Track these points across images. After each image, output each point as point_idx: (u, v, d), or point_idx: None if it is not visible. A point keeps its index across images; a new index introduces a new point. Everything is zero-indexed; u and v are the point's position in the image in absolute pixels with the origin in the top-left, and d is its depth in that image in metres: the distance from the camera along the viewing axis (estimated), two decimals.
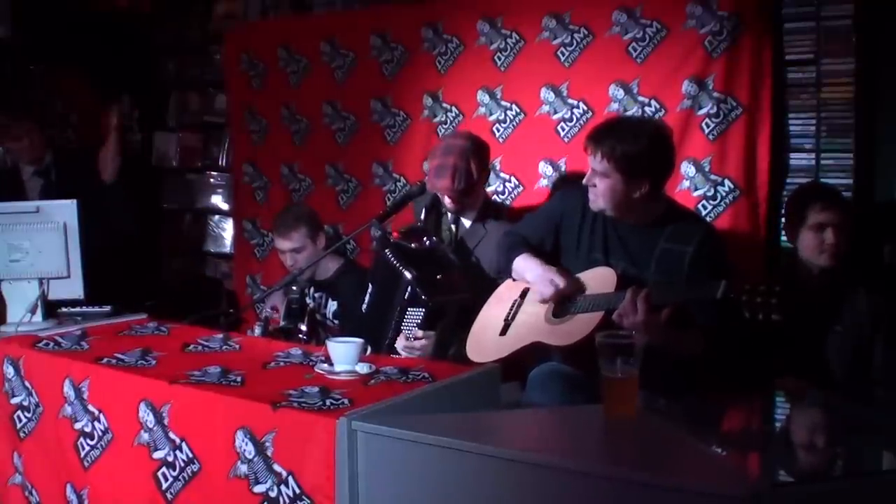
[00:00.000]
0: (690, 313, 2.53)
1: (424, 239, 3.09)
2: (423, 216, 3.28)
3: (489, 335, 2.85)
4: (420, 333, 2.90)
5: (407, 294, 2.90)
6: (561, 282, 2.68)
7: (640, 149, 2.58)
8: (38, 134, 4.15)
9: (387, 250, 3.01)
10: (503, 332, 2.82)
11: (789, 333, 2.67)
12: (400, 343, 2.94)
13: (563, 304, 2.72)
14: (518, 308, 2.84)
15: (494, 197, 3.65)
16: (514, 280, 2.90)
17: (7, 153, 4.29)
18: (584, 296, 2.65)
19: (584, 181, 2.67)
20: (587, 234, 2.76)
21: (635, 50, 3.35)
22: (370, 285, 3.13)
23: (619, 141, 2.57)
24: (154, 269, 5.07)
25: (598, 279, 2.66)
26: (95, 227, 3.27)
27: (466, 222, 3.24)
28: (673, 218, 2.68)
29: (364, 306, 3.15)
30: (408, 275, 2.90)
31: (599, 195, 2.63)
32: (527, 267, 2.81)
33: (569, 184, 3.44)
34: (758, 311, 2.22)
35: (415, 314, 2.92)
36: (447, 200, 3.19)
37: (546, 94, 3.56)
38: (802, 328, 2.68)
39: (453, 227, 3.24)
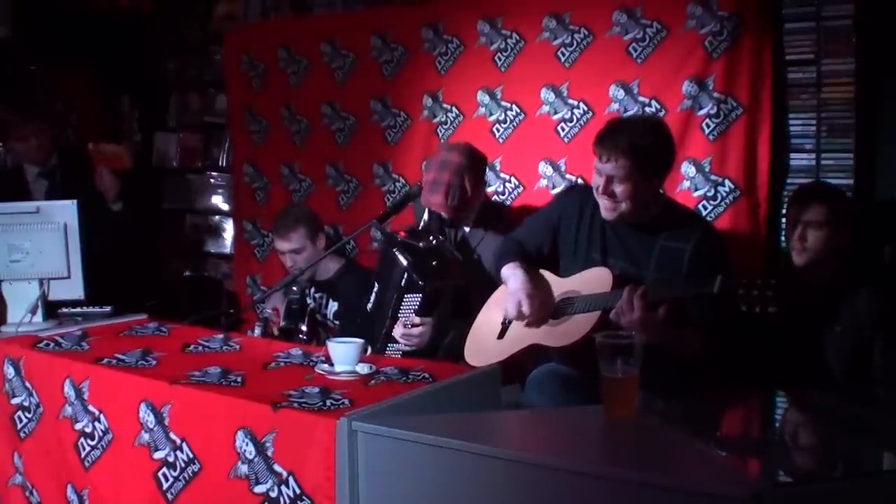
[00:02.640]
0: (688, 312, 2.54)
1: (431, 238, 3.11)
2: (426, 217, 3.28)
3: (487, 339, 2.85)
4: (417, 320, 2.91)
5: (403, 281, 2.92)
6: (527, 308, 2.69)
7: (654, 143, 2.59)
8: (46, 135, 4.11)
9: (395, 249, 3.02)
10: (501, 335, 2.82)
11: (788, 333, 2.67)
12: (398, 331, 2.95)
13: (559, 306, 2.72)
14: None
15: (494, 197, 3.66)
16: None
17: (9, 153, 4.25)
18: (581, 296, 2.65)
19: (598, 191, 2.62)
20: (585, 235, 2.76)
21: (635, 50, 3.35)
22: (375, 284, 3.14)
23: (635, 140, 2.55)
24: (154, 269, 5.07)
25: (595, 280, 2.66)
26: (99, 229, 3.27)
27: (465, 228, 3.26)
28: (671, 216, 2.68)
29: (369, 305, 3.16)
30: (403, 261, 2.92)
31: (622, 199, 2.58)
32: (509, 277, 2.81)
33: (568, 185, 3.46)
34: (755, 304, 2.22)
35: (412, 300, 2.93)
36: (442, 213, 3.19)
37: (546, 94, 3.56)
38: (801, 327, 2.68)
39: (454, 230, 3.25)
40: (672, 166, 2.72)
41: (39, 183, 4.12)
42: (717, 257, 2.58)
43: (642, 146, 2.55)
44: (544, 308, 2.73)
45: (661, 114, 3.28)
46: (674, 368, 2.49)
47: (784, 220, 2.97)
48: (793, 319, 2.64)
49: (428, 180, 3.17)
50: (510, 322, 2.81)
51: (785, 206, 3.10)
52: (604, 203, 2.63)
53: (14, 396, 2.55)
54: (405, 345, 2.98)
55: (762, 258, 3.16)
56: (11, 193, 3.68)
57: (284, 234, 3.58)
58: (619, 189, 2.57)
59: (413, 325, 2.94)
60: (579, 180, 3.45)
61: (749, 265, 3.08)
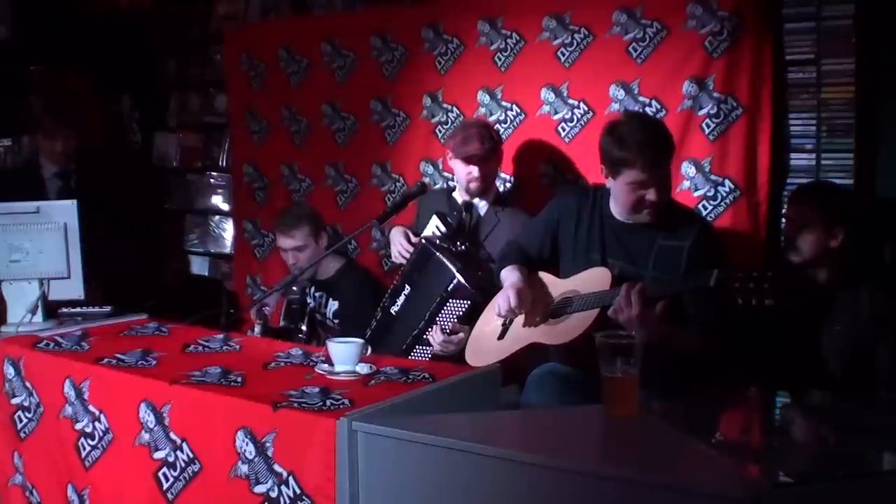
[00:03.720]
0: (686, 309, 2.54)
1: (458, 243, 3.15)
2: (436, 222, 3.29)
3: (488, 339, 2.87)
4: (457, 327, 2.92)
5: (451, 286, 2.95)
6: (514, 301, 2.70)
7: (668, 133, 2.67)
8: (73, 140, 4.12)
9: (437, 252, 3.07)
10: (501, 335, 2.82)
11: (788, 332, 2.67)
12: (437, 337, 2.96)
13: (558, 305, 2.72)
14: None
15: None
16: None
17: (30, 145, 4.24)
18: (580, 295, 2.66)
19: (635, 204, 2.62)
20: (584, 235, 2.77)
21: (636, 50, 3.35)
22: (406, 287, 3.16)
23: (663, 137, 2.60)
24: (154, 269, 5.07)
25: (594, 279, 2.66)
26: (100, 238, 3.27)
27: (482, 207, 3.29)
28: (670, 215, 2.69)
29: (396, 308, 3.17)
30: (453, 268, 2.97)
31: (659, 199, 2.60)
32: (506, 278, 2.84)
33: (567, 186, 3.46)
34: (750, 296, 2.23)
35: (455, 307, 2.97)
36: (471, 181, 3.25)
37: (546, 94, 3.56)
38: (800, 327, 2.68)
39: (465, 214, 3.29)
40: None
41: (53, 182, 4.12)
42: (715, 255, 2.59)
43: (669, 143, 2.63)
44: (539, 304, 2.75)
45: (662, 114, 3.28)
46: (674, 367, 2.49)
47: (784, 219, 2.97)
48: (793, 319, 2.64)
49: (457, 141, 3.27)
50: (510, 322, 2.82)
51: (785, 205, 3.10)
52: (649, 212, 2.63)
53: (14, 396, 2.55)
54: (441, 351, 2.99)
55: (762, 258, 3.15)
56: (28, 190, 3.66)
57: (287, 232, 3.58)
58: (665, 191, 2.62)
59: (453, 333, 2.95)
60: (579, 181, 3.45)
61: (749, 265, 3.06)
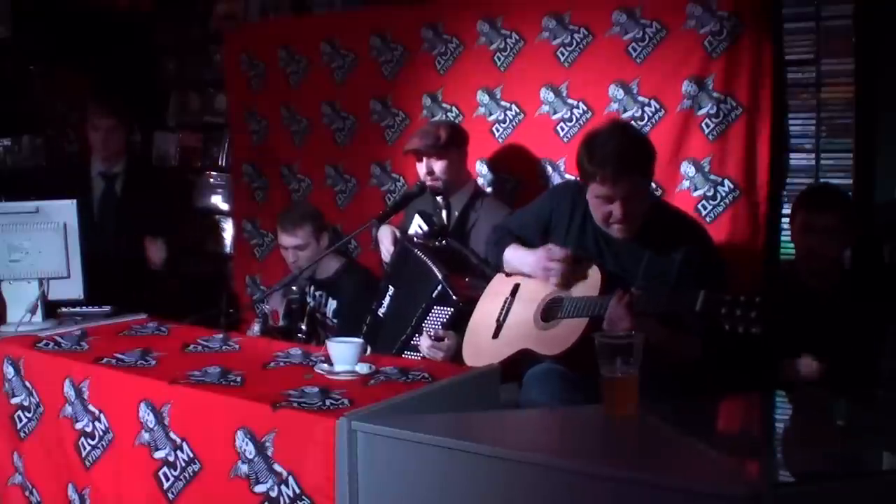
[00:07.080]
0: (683, 321, 2.52)
1: (441, 239, 3.14)
2: (419, 220, 3.29)
3: (483, 338, 2.85)
4: (442, 333, 2.91)
5: (435, 292, 2.94)
6: (560, 254, 2.63)
7: (641, 147, 2.59)
8: (118, 132, 4.08)
9: (416, 250, 3.04)
10: (495, 334, 2.81)
11: (791, 338, 2.65)
12: (424, 342, 2.95)
13: (549, 307, 2.70)
14: (509, 308, 2.83)
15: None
16: (506, 275, 2.90)
17: (30, 144, 4.21)
18: (572, 298, 2.63)
19: (608, 219, 2.58)
20: (575, 235, 2.73)
21: (635, 50, 3.35)
22: (390, 288, 3.14)
23: (629, 151, 2.52)
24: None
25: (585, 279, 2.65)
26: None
27: (458, 204, 3.29)
28: (662, 221, 2.66)
29: (382, 310, 3.16)
30: (438, 274, 2.94)
31: (635, 217, 2.56)
32: (517, 257, 2.80)
33: (560, 182, 3.45)
34: (737, 324, 2.16)
35: (440, 313, 2.95)
36: (426, 177, 3.26)
37: (546, 94, 3.56)
38: (804, 333, 2.67)
39: (444, 213, 3.28)
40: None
41: (97, 181, 4.09)
42: (708, 270, 2.54)
43: (637, 157, 2.54)
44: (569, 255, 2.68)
45: (661, 114, 3.28)
46: (672, 374, 2.47)
47: (788, 220, 2.95)
48: (796, 324, 2.63)
49: (416, 137, 3.29)
50: (504, 320, 2.80)
51: (786, 206, 3.10)
52: (619, 227, 2.58)
53: (14, 396, 2.55)
54: (430, 357, 2.97)
55: (761, 258, 3.16)
56: (72, 189, 3.51)
57: (290, 230, 3.58)
58: (633, 207, 2.55)
59: (438, 339, 2.95)
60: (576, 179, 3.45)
61: (748, 266, 3.08)
